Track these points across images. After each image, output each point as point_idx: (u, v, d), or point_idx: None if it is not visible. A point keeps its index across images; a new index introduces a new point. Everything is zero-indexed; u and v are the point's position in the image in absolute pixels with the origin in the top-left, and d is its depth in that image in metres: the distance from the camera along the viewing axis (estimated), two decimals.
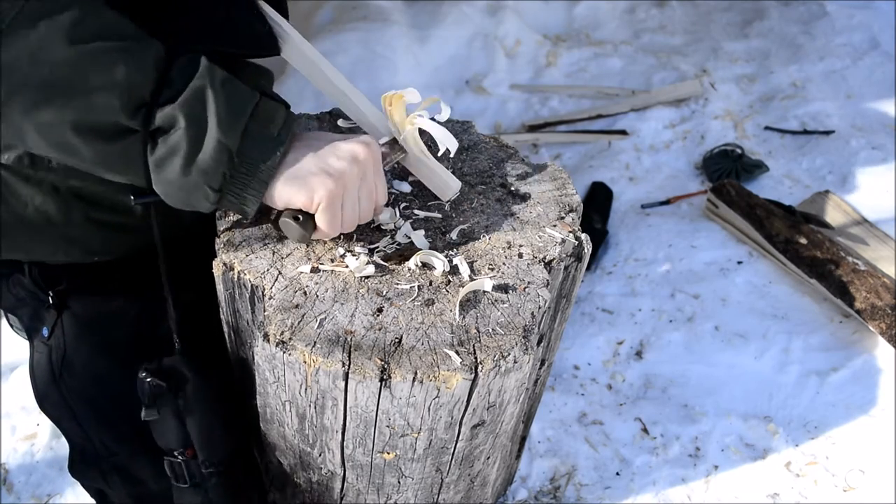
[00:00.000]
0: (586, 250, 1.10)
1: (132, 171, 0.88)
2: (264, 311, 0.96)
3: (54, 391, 1.22)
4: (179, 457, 1.19)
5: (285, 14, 1.12)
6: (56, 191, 1.03)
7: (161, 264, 1.10)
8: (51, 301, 1.18)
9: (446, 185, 1.11)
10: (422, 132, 1.07)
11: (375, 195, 1.00)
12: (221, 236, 1.03)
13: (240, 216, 1.04)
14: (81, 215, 1.06)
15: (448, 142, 1.06)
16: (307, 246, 1.03)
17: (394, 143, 1.08)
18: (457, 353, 0.93)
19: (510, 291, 1.00)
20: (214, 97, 0.84)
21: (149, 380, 1.12)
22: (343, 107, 1.12)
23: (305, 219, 0.95)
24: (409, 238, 1.05)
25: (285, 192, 0.92)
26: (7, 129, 0.84)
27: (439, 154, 1.12)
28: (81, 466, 1.30)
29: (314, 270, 1.00)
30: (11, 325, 1.30)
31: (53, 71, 0.79)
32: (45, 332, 1.20)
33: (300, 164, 0.92)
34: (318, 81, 1.10)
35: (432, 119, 1.07)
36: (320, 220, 0.95)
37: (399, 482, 1.19)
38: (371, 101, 1.12)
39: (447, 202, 1.13)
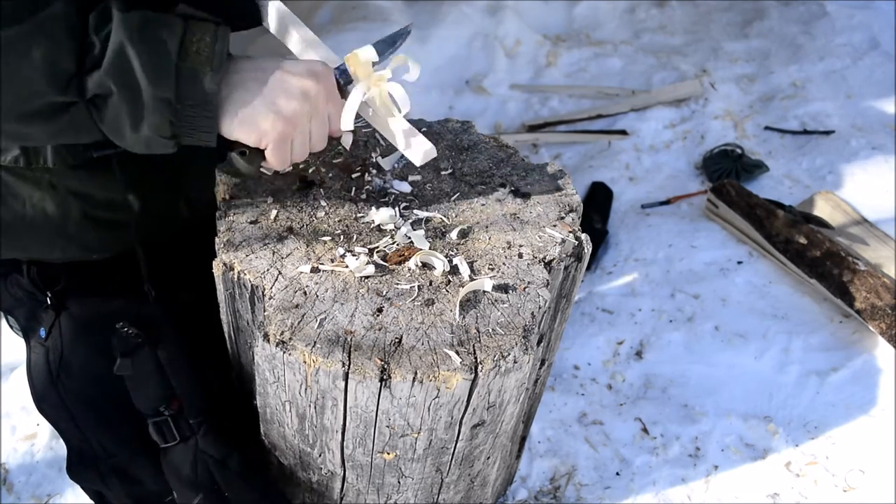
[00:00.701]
0: (586, 250, 1.10)
1: (87, 134, 0.88)
2: (264, 311, 0.96)
3: (52, 392, 1.22)
4: (165, 412, 1.18)
5: None
6: (53, 188, 1.03)
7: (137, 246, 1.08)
8: (49, 302, 1.18)
9: (420, 146, 1.04)
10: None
11: (328, 125, 0.98)
12: (221, 236, 1.03)
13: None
14: (79, 213, 1.06)
15: (404, 103, 1.01)
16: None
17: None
18: (457, 353, 0.93)
19: (510, 291, 1.00)
20: (136, 52, 0.82)
21: (126, 329, 1.12)
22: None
23: (253, 153, 0.95)
24: (409, 238, 1.05)
25: (234, 133, 0.91)
26: None
27: (403, 114, 1.05)
28: (79, 468, 1.30)
29: (314, 270, 1.00)
30: (11, 326, 1.30)
31: None
32: (43, 332, 1.20)
33: (249, 105, 0.90)
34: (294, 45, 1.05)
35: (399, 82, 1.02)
36: (270, 158, 0.94)
37: (399, 482, 1.19)
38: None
39: (420, 166, 1.07)
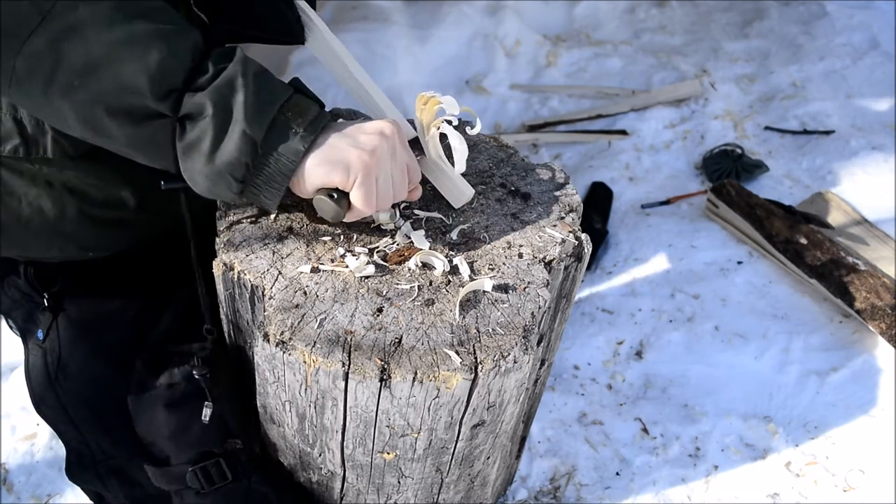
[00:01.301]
0: (586, 250, 1.10)
1: (162, 155, 0.89)
2: (264, 311, 0.96)
3: (51, 394, 1.22)
4: (218, 453, 1.18)
5: (313, 5, 1.12)
6: (50, 186, 1.03)
7: (190, 236, 1.09)
8: (46, 303, 1.17)
9: (460, 192, 1.11)
10: (442, 138, 1.08)
11: (408, 171, 1.00)
12: (221, 236, 1.03)
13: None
14: (75, 211, 1.06)
15: (460, 157, 1.05)
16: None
17: (415, 143, 1.08)
18: (457, 353, 0.93)
19: (510, 291, 1.00)
20: (244, 87, 0.85)
21: (203, 373, 1.12)
22: (362, 101, 1.12)
23: (340, 196, 0.95)
24: (409, 238, 1.05)
25: (319, 172, 0.92)
26: (50, 110, 0.86)
27: (455, 163, 1.10)
28: (78, 470, 1.30)
29: (314, 270, 1.00)
30: (10, 327, 1.30)
31: (90, 52, 0.81)
32: (41, 334, 1.20)
33: (330, 145, 0.92)
34: (340, 74, 1.11)
35: (457, 128, 1.06)
36: (356, 196, 0.94)
37: (399, 482, 1.19)
38: (390, 98, 1.12)
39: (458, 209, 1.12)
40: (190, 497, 1.21)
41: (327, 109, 1.29)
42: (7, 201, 1.04)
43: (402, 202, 1.11)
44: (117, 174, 1.05)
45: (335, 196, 0.95)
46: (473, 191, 1.12)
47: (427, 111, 1.06)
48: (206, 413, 1.13)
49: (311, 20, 1.07)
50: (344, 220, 1.00)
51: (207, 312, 1.13)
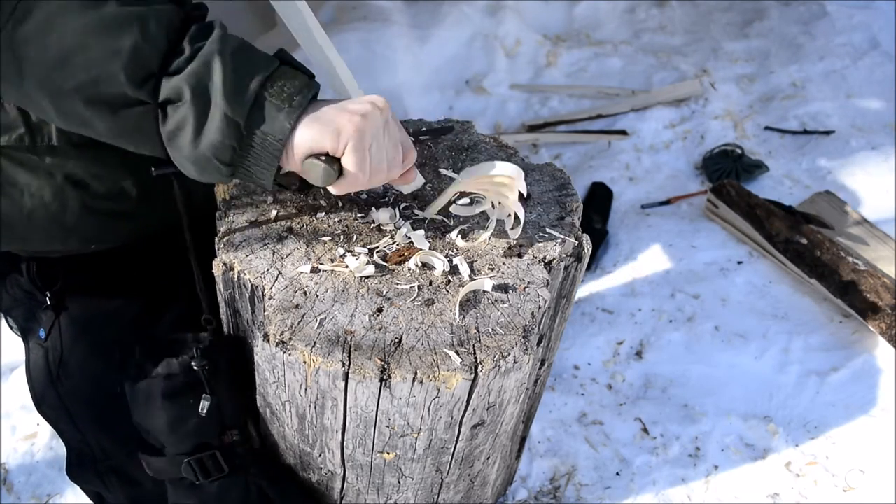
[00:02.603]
0: (586, 250, 1.10)
1: (148, 142, 0.86)
2: (264, 311, 0.96)
3: (51, 393, 1.21)
4: (215, 445, 1.17)
5: None
6: (51, 176, 1.02)
7: (186, 227, 1.06)
8: (48, 301, 1.17)
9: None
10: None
11: (403, 149, 0.96)
12: (221, 236, 1.03)
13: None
14: (77, 203, 1.05)
15: (520, 225, 1.07)
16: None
17: None
18: (457, 353, 0.93)
19: (510, 291, 1.00)
20: (222, 67, 0.80)
21: (203, 364, 1.11)
22: (325, 74, 1.05)
23: (330, 159, 0.90)
24: (409, 238, 1.05)
25: (307, 137, 0.86)
26: (30, 103, 0.84)
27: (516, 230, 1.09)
28: (78, 469, 1.29)
29: (314, 270, 1.00)
30: (11, 326, 1.29)
31: (63, 40, 0.77)
32: (42, 333, 1.19)
33: (320, 111, 0.87)
34: (305, 40, 1.04)
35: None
36: (349, 161, 0.89)
37: (399, 482, 1.19)
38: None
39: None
40: (183, 488, 1.20)
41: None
42: (9, 193, 1.03)
43: (403, 203, 1.11)
44: (120, 163, 1.04)
45: (325, 158, 0.90)
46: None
47: (505, 189, 1.03)
48: (204, 405, 1.12)
49: None
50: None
51: (205, 300, 1.11)
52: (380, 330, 0.94)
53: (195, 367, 1.10)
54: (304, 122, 0.86)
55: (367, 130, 0.88)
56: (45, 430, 1.85)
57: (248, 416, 1.23)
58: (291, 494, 1.27)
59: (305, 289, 0.98)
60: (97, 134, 0.86)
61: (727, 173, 2.62)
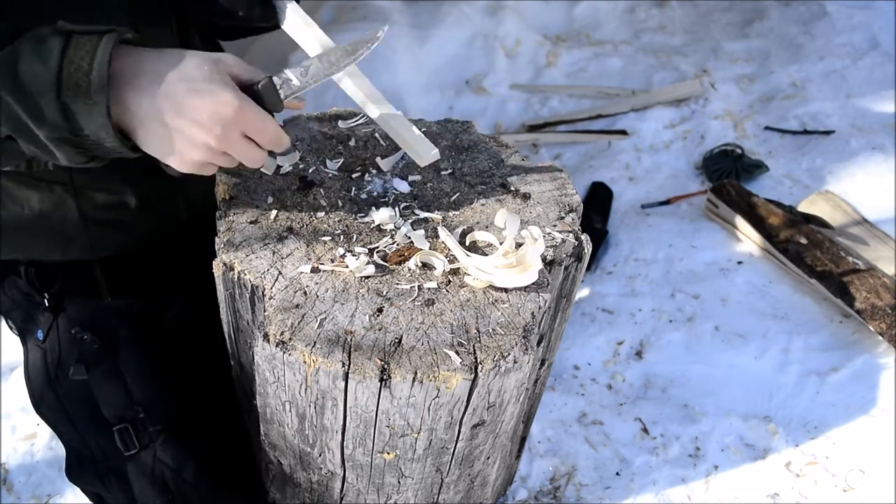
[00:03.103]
0: (586, 250, 1.10)
1: (71, 157, 0.86)
2: (264, 311, 0.96)
3: (50, 394, 1.22)
4: (128, 419, 1.18)
5: None
6: (51, 190, 1.03)
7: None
8: (46, 303, 1.17)
9: (426, 150, 1.06)
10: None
11: (258, 133, 0.88)
12: (221, 236, 1.03)
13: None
14: (77, 214, 1.06)
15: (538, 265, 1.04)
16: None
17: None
18: (457, 353, 0.93)
19: (510, 291, 1.00)
20: (15, 100, 0.78)
21: (81, 335, 1.12)
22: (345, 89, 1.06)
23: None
24: (409, 238, 1.05)
25: (165, 160, 0.85)
26: None
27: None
28: (78, 470, 1.29)
29: (314, 270, 1.00)
30: (10, 327, 1.30)
31: None
32: (40, 334, 1.20)
33: (161, 134, 0.82)
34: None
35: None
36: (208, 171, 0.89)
37: (399, 482, 1.19)
38: (390, 99, 1.08)
39: (423, 167, 1.11)
40: (119, 460, 1.21)
41: (326, 111, 1.24)
42: (9, 206, 1.04)
43: (404, 203, 1.11)
44: (118, 175, 1.05)
45: None
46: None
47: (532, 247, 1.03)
48: (73, 370, 1.14)
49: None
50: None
51: (101, 275, 1.12)
52: (380, 330, 0.94)
53: (84, 339, 1.12)
54: (138, 141, 0.84)
55: (219, 152, 0.85)
56: (44, 431, 1.85)
57: (162, 394, 1.21)
58: (187, 488, 1.23)
59: (305, 289, 0.98)
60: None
61: (727, 173, 2.62)
